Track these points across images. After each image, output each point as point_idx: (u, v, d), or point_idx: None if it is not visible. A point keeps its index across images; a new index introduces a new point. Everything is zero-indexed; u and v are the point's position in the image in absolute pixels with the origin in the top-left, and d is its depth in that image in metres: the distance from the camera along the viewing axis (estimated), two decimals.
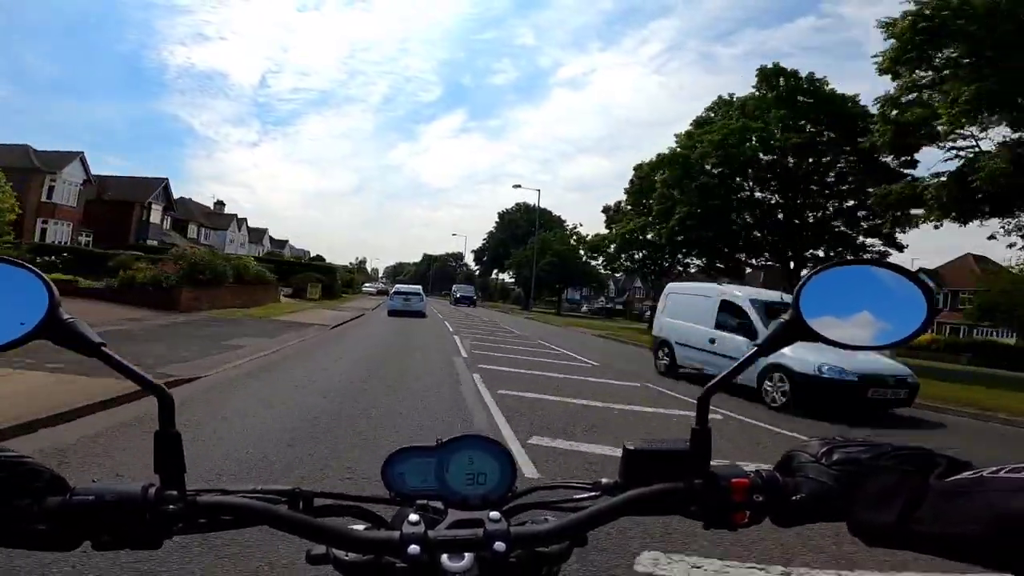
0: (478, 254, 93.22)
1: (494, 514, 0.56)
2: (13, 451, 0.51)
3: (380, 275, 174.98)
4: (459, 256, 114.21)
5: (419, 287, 30.35)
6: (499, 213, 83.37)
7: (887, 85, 19.32)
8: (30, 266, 0.55)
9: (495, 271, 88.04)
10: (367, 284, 78.17)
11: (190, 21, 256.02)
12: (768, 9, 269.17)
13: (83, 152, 36.02)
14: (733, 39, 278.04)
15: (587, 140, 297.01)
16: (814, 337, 0.58)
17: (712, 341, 10.22)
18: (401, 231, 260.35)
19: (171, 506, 0.51)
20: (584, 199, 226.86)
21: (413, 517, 0.54)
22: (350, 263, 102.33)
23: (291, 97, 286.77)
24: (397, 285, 34.99)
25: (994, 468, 0.46)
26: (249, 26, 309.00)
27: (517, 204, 75.25)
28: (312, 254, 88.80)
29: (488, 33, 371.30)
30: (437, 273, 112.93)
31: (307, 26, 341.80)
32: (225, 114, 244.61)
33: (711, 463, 0.59)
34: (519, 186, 54.55)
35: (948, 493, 0.48)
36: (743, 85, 43.66)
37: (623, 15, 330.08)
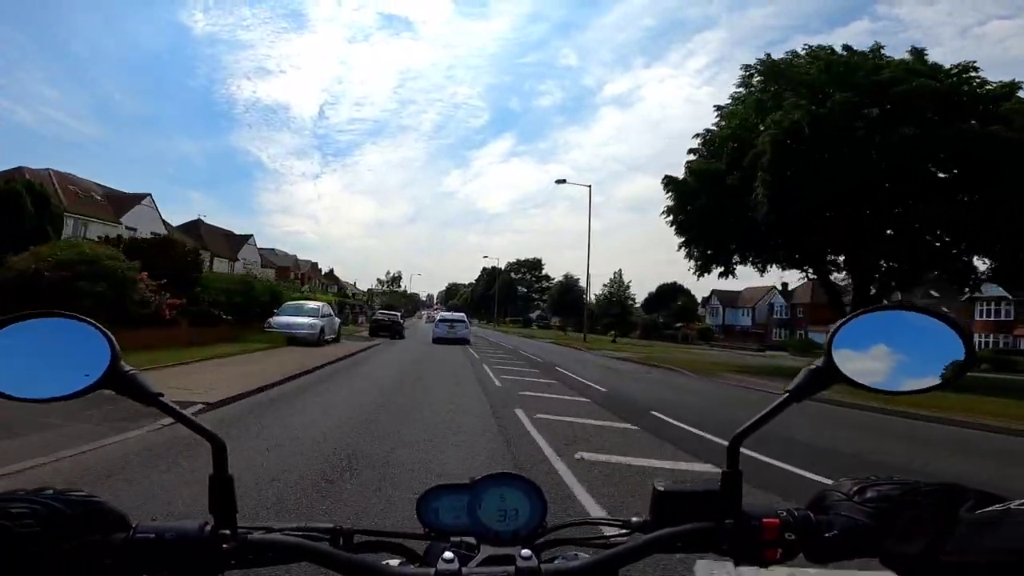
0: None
1: (525, 551, 0.58)
2: (83, 491, 0.55)
3: (435, 300, 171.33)
4: (536, 264, 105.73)
5: (462, 315, 32.59)
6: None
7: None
8: (94, 322, 0.60)
9: None
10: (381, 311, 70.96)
11: (252, 55, 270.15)
12: (816, 15, 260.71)
13: (149, 194, 42.23)
14: (784, 47, 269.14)
15: (638, 158, 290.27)
16: (848, 382, 0.58)
17: None
18: (457, 258, 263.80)
19: (225, 544, 0.55)
20: (638, 220, 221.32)
21: (447, 555, 0.57)
22: (379, 279, 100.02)
23: (348, 128, 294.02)
24: (442, 313, 37.68)
25: (1021, 501, 0.48)
26: (305, 59, 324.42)
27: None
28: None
29: (531, 56, 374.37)
30: (503, 291, 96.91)
31: (358, 57, 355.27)
32: (289, 147, 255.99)
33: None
34: (563, 181, 39.09)
35: (976, 525, 0.49)
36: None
37: (666, 30, 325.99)
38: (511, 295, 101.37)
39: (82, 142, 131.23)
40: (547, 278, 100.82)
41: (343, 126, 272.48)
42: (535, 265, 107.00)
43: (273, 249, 68.41)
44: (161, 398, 0.59)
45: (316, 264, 79.27)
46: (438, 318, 31.56)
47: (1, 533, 0.48)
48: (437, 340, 26.84)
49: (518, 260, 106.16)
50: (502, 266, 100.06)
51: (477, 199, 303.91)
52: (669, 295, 72.34)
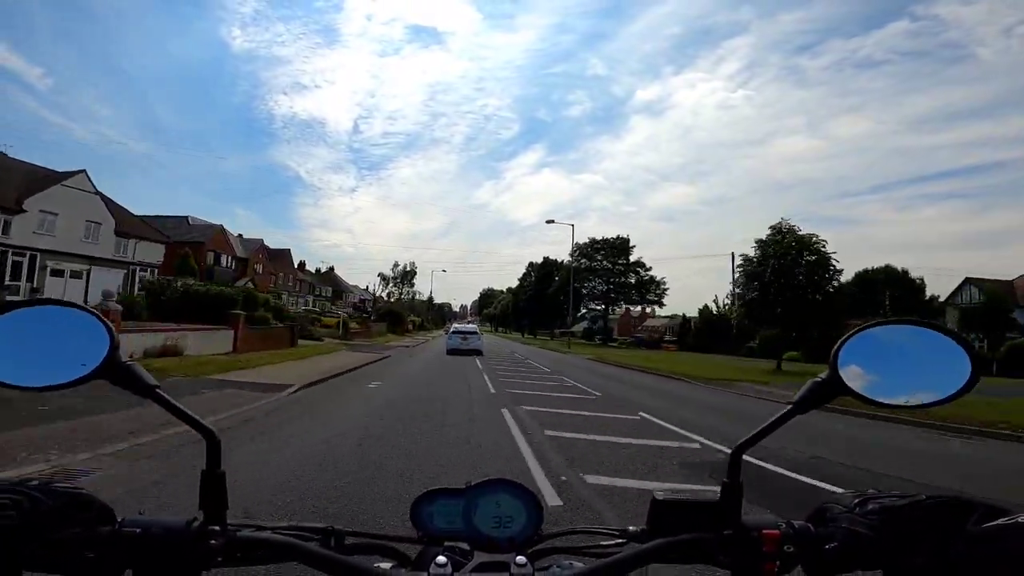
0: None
1: (520, 558, 0.57)
2: (68, 484, 0.55)
3: (468, 311, 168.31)
4: (622, 246, 66.27)
5: (475, 327, 35.05)
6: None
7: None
8: (94, 311, 0.60)
9: None
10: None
11: (288, 71, 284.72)
12: (851, 17, 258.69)
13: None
14: (818, 50, 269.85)
15: (669, 167, 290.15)
16: (852, 395, 0.58)
17: None
18: (491, 270, 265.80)
19: (212, 541, 0.55)
20: (669, 230, 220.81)
21: (440, 559, 0.56)
22: (383, 275, 68.44)
23: (382, 142, 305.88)
24: (455, 325, 38.40)
25: None
26: (339, 74, 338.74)
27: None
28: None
29: (559, 67, 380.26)
30: (547, 299, 74.32)
31: (390, 71, 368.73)
32: (326, 161, 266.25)
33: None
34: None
35: (983, 538, 0.49)
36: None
37: (694, 38, 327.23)
38: (557, 307, 70.84)
39: (136, 159, 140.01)
40: (640, 266, 65.99)
41: (377, 140, 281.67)
42: (620, 247, 66.36)
43: (186, 217, 45.18)
44: (158, 390, 0.58)
45: (224, 229, 46.96)
46: (451, 330, 31.83)
47: None
48: (451, 351, 25.66)
49: (592, 240, 67.53)
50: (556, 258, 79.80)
51: (509, 210, 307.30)
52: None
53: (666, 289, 66.49)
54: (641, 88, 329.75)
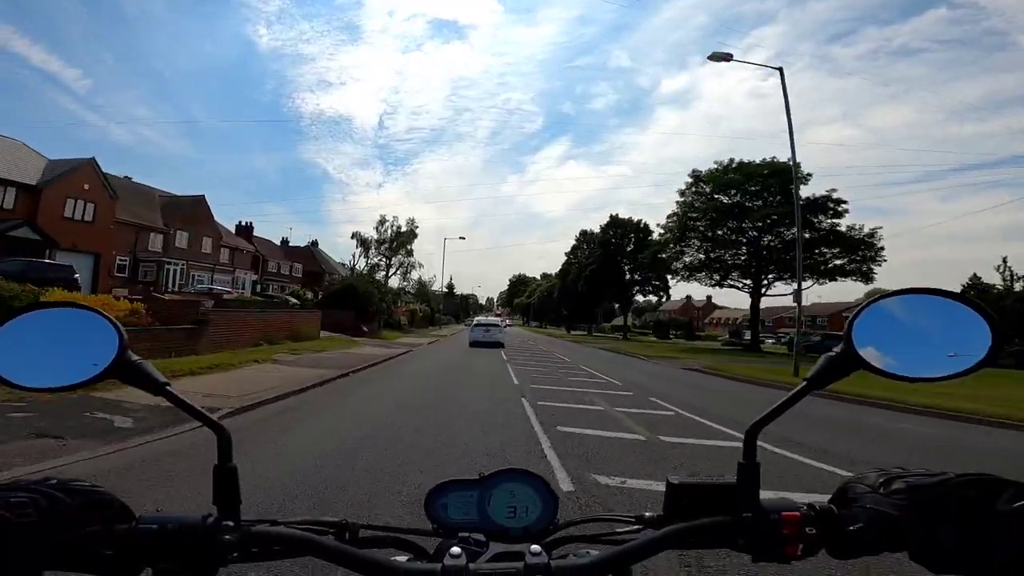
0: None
1: (535, 547, 0.57)
2: (86, 481, 0.55)
3: (495, 304, 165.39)
4: (640, 227, 57.66)
5: (499, 320, 34.09)
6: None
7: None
8: (103, 312, 0.61)
9: None
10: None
11: (314, 69, 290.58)
12: (886, 5, 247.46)
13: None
14: (852, 39, 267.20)
15: (699, 158, 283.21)
16: (868, 369, 0.56)
17: None
18: (518, 263, 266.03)
19: (227, 536, 0.55)
20: None
21: (455, 550, 0.56)
22: (362, 237, 51.88)
23: (406, 137, 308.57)
24: (477, 318, 36.04)
25: None
26: (363, 71, 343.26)
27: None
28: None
29: (582, 60, 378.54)
30: (611, 267, 58.36)
31: (413, 67, 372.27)
32: (353, 157, 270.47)
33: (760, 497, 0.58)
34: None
35: (1015, 518, 0.49)
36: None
37: (722, 26, 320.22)
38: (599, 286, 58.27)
39: (168, 158, 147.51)
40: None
41: (402, 135, 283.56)
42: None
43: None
44: (168, 387, 0.60)
45: (95, 163, 30.42)
46: (474, 323, 31.33)
47: None
48: (474, 344, 26.35)
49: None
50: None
51: (535, 204, 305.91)
52: None
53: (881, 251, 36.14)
54: (667, 78, 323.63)
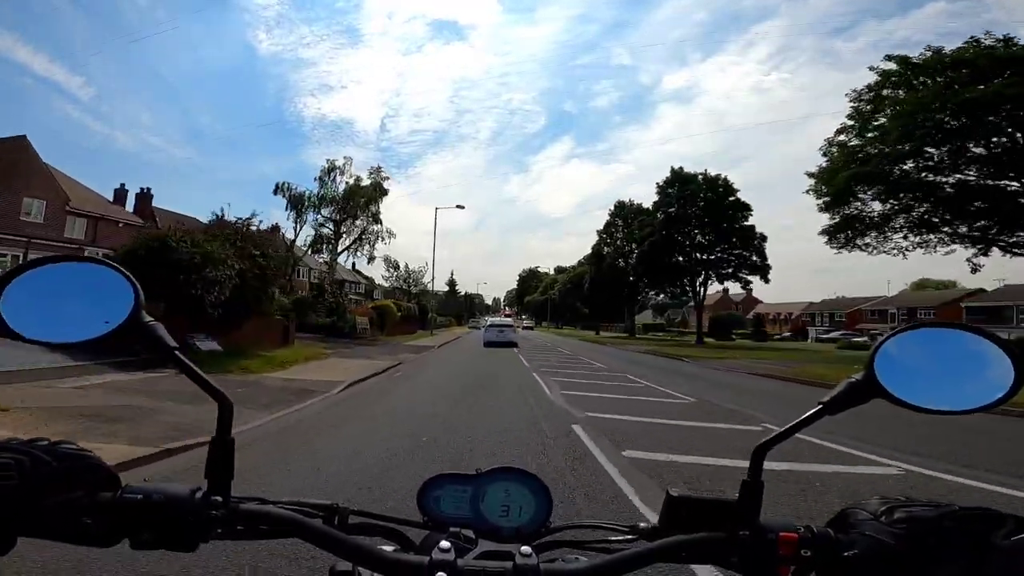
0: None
1: (525, 549, 0.55)
2: (75, 445, 0.54)
3: (502, 304, 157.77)
4: (720, 183, 41.60)
5: (511, 321, 33.65)
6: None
7: None
8: (121, 268, 0.59)
9: None
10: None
11: (315, 73, 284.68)
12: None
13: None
14: (853, 32, 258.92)
15: (704, 154, 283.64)
16: (887, 398, 0.57)
17: None
18: (523, 263, 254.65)
19: (214, 511, 0.54)
20: None
21: (444, 544, 0.55)
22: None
23: (409, 140, 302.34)
24: (491, 319, 35.83)
25: None
26: (364, 74, 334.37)
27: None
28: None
29: (584, 58, 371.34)
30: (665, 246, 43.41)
31: (414, 69, 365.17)
32: (356, 160, 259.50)
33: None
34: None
35: (1012, 553, 0.49)
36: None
37: (721, 23, 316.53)
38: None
39: (177, 164, 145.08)
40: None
41: (404, 138, 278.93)
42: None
43: None
44: (176, 351, 0.58)
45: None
46: (488, 323, 31.80)
47: None
48: (488, 344, 27.36)
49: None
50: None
51: (539, 203, 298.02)
52: None
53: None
54: (669, 75, 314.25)
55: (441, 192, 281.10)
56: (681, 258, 43.75)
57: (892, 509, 0.55)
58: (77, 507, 0.50)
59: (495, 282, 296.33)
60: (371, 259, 34.47)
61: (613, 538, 0.67)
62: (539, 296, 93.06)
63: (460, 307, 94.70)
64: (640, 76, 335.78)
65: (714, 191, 42.82)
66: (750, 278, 43.13)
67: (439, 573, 0.51)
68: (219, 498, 0.55)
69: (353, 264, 48.79)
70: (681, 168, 45.44)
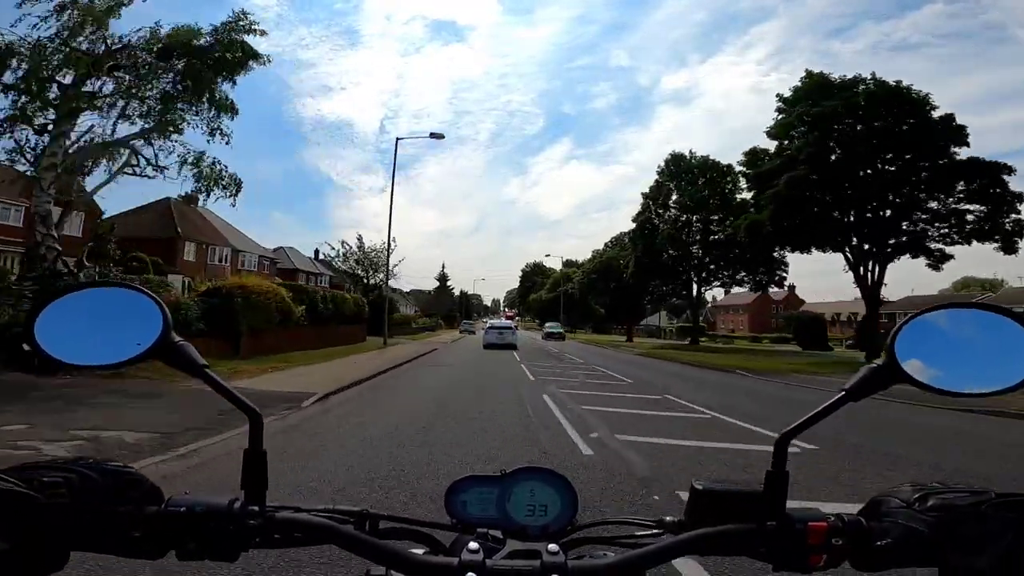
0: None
1: (552, 547, 0.56)
2: (119, 463, 0.56)
3: (501, 305, 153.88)
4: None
5: (512, 323, 34.87)
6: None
7: None
8: (150, 292, 0.61)
9: None
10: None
11: (314, 74, 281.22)
12: (882, 0, 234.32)
13: None
14: (851, 34, 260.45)
15: (703, 155, 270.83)
16: (910, 382, 0.56)
17: None
18: (523, 265, 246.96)
19: (252, 521, 0.56)
20: None
21: (472, 545, 0.56)
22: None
23: (409, 141, 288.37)
24: (491, 321, 36.76)
25: None
26: (363, 75, 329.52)
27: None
28: None
29: (582, 60, 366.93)
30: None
31: (413, 71, 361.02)
32: (355, 163, 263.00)
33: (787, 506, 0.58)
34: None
35: None
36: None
37: (719, 24, 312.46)
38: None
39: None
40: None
41: (404, 139, 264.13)
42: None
43: None
44: (207, 369, 0.60)
45: None
46: (488, 326, 32.39)
47: (28, 502, 0.47)
48: (488, 346, 27.54)
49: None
50: None
51: (538, 205, 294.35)
52: None
53: None
54: (668, 76, 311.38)
55: (441, 195, 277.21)
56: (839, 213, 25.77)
57: (926, 496, 0.54)
58: (126, 521, 0.52)
59: (494, 283, 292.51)
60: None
61: (639, 533, 0.68)
62: (547, 293, 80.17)
63: (453, 306, 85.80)
64: (639, 77, 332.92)
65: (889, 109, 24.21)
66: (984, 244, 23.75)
67: (469, 574, 0.52)
68: (256, 508, 0.56)
69: (316, 252, 42.31)
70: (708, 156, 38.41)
